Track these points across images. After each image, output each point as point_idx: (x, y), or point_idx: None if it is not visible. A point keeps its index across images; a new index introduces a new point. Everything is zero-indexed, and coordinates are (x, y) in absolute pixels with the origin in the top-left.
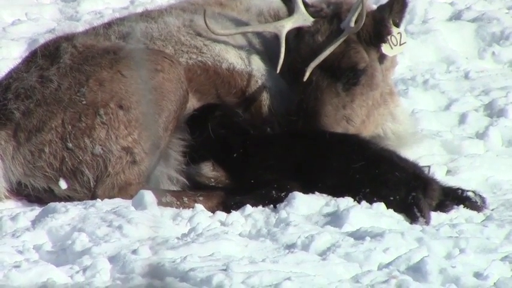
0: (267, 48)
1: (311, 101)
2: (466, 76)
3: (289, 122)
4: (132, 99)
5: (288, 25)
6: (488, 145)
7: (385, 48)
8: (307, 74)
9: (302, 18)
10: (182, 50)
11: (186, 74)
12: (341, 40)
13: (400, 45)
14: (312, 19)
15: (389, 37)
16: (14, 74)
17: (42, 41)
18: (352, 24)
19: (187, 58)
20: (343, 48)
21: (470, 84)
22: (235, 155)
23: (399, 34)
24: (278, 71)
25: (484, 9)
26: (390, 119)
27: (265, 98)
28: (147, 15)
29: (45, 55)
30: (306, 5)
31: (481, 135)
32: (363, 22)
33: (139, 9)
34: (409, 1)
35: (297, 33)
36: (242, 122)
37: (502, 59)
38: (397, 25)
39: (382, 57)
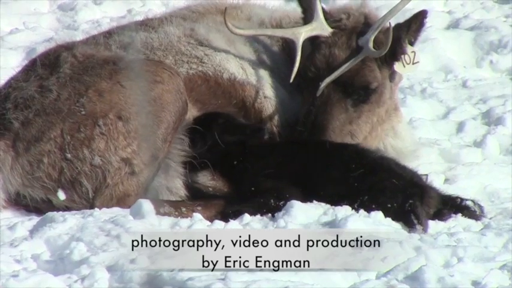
0: (269, 57)
1: (320, 114)
2: (464, 85)
3: (292, 132)
4: (131, 110)
5: (305, 32)
6: (486, 153)
7: (397, 66)
8: (321, 89)
9: (320, 27)
10: (183, 60)
11: (186, 84)
12: (359, 59)
13: (413, 64)
14: (330, 29)
15: (403, 56)
16: (13, 83)
17: (39, 50)
18: (371, 44)
19: (187, 68)
20: (358, 65)
21: (468, 92)
22: (235, 163)
23: (413, 53)
24: (292, 80)
25: (482, 17)
26: (392, 134)
27: (265, 108)
28: (147, 25)
29: (45, 64)
30: (325, 13)
31: (478, 144)
32: (388, 47)
33: (138, 18)
34: (427, 21)
35: (312, 42)
36: (246, 124)
37: (499, 68)
38: (412, 44)
39: (392, 75)
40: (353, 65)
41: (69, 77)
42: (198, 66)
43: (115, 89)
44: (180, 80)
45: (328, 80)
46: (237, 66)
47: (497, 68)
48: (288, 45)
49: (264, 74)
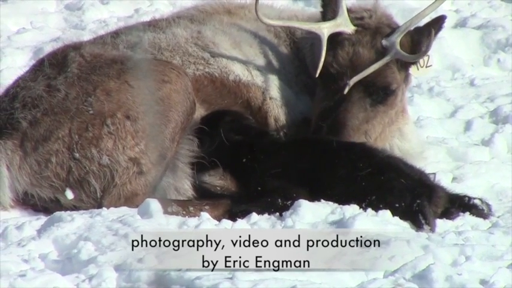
0: (275, 58)
1: (341, 112)
2: (472, 83)
3: (298, 132)
4: (139, 110)
5: (331, 28)
6: (494, 152)
7: (412, 69)
8: (348, 88)
9: (344, 24)
10: (189, 61)
11: (193, 85)
12: (387, 61)
13: (427, 67)
14: (353, 27)
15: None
16: (21, 83)
17: (47, 49)
18: (398, 46)
19: (194, 69)
20: (380, 66)
21: (475, 91)
22: (243, 162)
23: (427, 56)
24: (317, 75)
25: (489, 16)
26: (398, 135)
27: (271, 109)
28: (155, 25)
29: (53, 64)
30: (347, 10)
31: (486, 142)
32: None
33: (145, 18)
34: (445, 25)
35: (331, 38)
36: (253, 124)
37: (507, 66)
38: None
39: (407, 77)
40: (381, 65)
41: (77, 77)
42: (204, 68)
43: (123, 88)
44: (188, 80)
45: (356, 78)
46: (242, 68)
47: (504, 66)
48: (295, 45)
49: (270, 75)
